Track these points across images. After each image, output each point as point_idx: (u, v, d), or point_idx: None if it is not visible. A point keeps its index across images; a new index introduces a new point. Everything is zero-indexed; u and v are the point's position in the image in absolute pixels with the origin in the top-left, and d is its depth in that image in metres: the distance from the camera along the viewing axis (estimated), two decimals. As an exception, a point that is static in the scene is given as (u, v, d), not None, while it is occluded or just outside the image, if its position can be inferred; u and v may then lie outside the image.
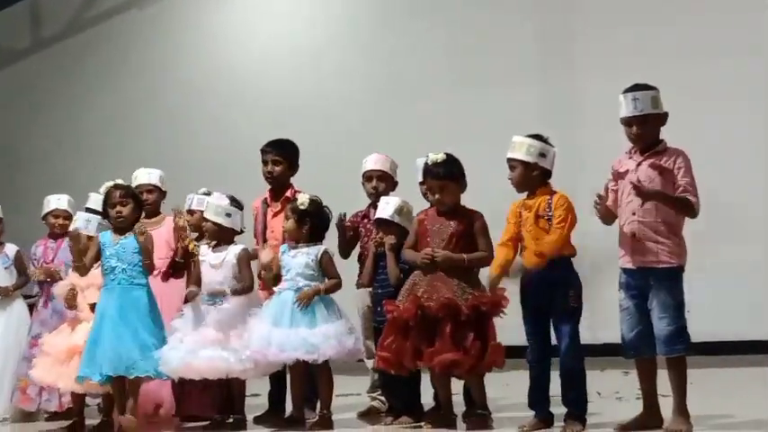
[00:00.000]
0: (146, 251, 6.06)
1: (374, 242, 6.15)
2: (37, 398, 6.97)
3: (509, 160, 5.57)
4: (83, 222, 6.57)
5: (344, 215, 6.48)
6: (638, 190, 5.16)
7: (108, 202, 6.17)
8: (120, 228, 6.13)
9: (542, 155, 5.51)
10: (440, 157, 5.79)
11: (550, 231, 5.44)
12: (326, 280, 6.00)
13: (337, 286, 6.04)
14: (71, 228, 6.61)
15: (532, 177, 5.53)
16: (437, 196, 5.79)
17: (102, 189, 6.30)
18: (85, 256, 6.14)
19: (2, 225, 7.54)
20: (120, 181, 6.23)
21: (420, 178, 6.31)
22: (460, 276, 5.64)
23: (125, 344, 5.92)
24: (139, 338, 5.96)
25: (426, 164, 5.84)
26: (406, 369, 5.70)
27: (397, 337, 5.67)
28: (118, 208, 6.11)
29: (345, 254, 6.55)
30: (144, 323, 6.01)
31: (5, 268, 7.41)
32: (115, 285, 6.04)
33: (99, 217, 6.60)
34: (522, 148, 5.52)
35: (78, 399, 6.37)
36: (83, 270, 6.16)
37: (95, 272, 6.24)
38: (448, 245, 5.70)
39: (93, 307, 6.20)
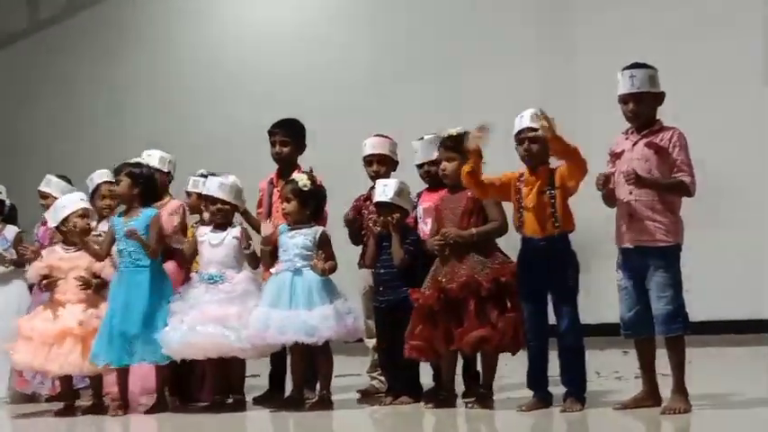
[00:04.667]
0: (150, 238, 6.11)
1: (377, 224, 6.09)
2: (32, 380, 6.92)
3: (532, 131, 5.45)
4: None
5: (350, 214, 6.53)
6: (631, 178, 5.14)
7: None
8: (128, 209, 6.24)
9: None
10: (455, 130, 5.80)
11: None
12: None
13: (335, 269, 6.04)
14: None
15: (548, 152, 5.51)
16: (442, 165, 5.81)
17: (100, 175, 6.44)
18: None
19: (2, 207, 7.51)
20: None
21: (416, 161, 6.34)
22: (477, 251, 5.62)
23: (128, 332, 6.01)
24: (139, 326, 6.03)
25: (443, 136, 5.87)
26: (439, 354, 5.70)
27: (425, 324, 5.66)
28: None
29: (357, 240, 6.54)
30: (144, 310, 6.05)
31: (4, 250, 7.33)
32: (123, 269, 6.14)
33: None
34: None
35: (65, 381, 6.37)
36: (99, 257, 6.24)
37: (78, 254, 6.30)
38: (461, 224, 5.69)
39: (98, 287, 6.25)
